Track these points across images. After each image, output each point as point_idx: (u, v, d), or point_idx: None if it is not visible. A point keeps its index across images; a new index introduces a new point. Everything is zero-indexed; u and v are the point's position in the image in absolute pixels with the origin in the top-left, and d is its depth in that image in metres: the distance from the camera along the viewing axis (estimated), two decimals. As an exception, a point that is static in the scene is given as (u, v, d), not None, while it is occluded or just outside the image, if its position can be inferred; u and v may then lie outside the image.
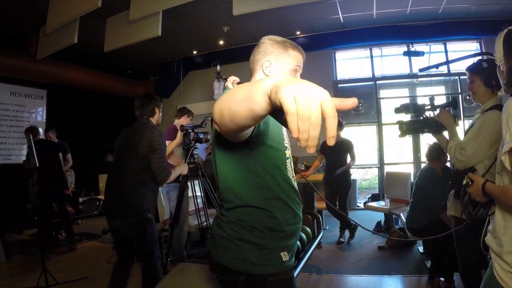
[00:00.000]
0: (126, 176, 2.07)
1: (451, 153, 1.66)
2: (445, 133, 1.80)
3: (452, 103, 1.79)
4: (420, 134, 1.88)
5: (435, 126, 1.78)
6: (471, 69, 1.69)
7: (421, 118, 1.82)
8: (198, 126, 2.69)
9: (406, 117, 1.93)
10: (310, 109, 0.44)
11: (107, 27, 4.48)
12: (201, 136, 2.59)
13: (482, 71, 1.62)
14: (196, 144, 2.59)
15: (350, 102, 0.47)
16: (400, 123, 1.82)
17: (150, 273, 2.10)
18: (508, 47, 1.05)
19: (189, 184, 2.75)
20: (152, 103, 2.26)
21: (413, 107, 1.80)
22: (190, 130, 2.57)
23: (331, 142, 0.46)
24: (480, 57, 1.71)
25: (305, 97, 0.44)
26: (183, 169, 2.50)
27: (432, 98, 1.80)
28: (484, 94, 1.64)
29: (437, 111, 1.79)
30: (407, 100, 6.37)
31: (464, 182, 1.18)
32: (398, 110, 1.88)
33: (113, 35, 4.41)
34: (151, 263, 2.10)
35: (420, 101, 6.01)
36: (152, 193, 2.16)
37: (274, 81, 0.51)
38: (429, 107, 1.84)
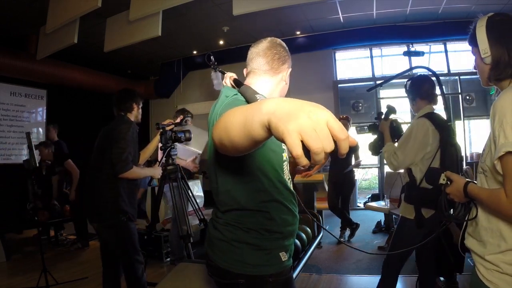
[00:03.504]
0: (98, 176, 1.99)
1: (385, 157, 1.88)
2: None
3: (387, 113, 2.02)
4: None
5: (381, 135, 2.05)
6: (406, 89, 1.97)
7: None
8: (178, 124, 2.49)
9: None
10: (322, 141, 0.41)
11: (107, 27, 4.48)
12: (180, 135, 2.35)
13: (408, 92, 1.93)
14: (175, 144, 2.39)
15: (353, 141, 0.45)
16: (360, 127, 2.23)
17: (131, 279, 2.04)
18: (495, 37, 0.97)
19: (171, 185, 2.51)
20: (131, 98, 2.13)
21: (369, 127, 2.15)
22: (168, 129, 2.36)
23: (343, 156, 0.45)
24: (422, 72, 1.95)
25: (311, 131, 0.41)
26: (155, 172, 2.27)
27: (380, 113, 2.07)
28: (420, 106, 1.89)
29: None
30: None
31: (442, 181, 1.14)
32: (358, 132, 2.25)
33: (113, 35, 4.41)
34: (130, 269, 2.03)
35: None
36: (127, 193, 2.01)
37: (268, 109, 0.47)
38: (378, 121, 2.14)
